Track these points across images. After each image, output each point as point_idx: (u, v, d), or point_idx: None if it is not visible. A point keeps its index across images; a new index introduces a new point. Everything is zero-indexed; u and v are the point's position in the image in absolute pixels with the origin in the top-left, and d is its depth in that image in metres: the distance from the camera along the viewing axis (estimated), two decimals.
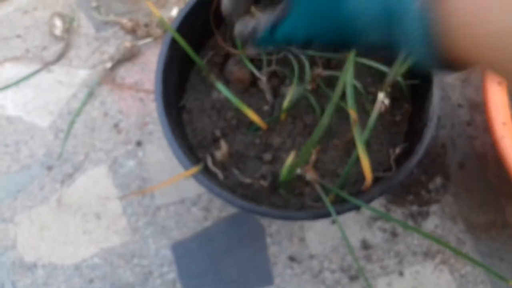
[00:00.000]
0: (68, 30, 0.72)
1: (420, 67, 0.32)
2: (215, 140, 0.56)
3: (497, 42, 0.26)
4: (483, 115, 0.71)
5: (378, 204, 0.68)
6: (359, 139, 0.47)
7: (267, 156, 0.55)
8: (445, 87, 0.73)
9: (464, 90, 0.73)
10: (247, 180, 0.54)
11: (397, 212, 0.68)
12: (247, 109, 0.51)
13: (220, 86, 0.51)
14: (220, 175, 0.54)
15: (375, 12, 0.31)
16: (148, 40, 0.72)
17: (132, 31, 0.71)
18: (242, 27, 0.43)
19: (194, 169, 0.48)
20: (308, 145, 0.44)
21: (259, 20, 0.42)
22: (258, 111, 0.56)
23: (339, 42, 0.36)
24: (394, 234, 0.68)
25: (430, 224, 0.68)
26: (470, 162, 0.69)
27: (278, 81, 0.58)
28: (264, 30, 0.40)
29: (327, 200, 0.49)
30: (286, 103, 0.53)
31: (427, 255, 0.67)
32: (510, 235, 0.68)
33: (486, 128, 0.57)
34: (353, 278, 0.66)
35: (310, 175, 0.52)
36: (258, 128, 0.55)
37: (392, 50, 0.32)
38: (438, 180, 0.69)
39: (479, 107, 0.72)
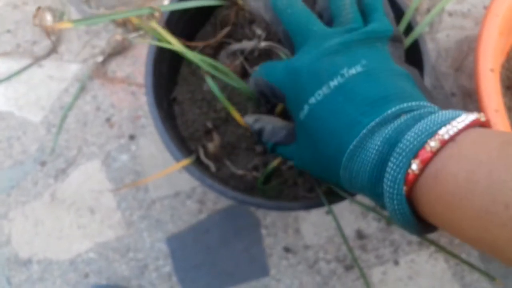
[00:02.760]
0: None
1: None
2: (207, 132, 0.55)
3: (476, 225, 0.27)
4: (476, 103, 0.71)
5: None
6: None
7: (259, 148, 0.55)
8: (438, 76, 0.73)
9: (457, 78, 0.73)
10: (240, 172, 0.53)
11: None
12: (233, 109, 0.51)
13: (209, 80, 0.50)
14: (212, 167, 0.53)
15: (361, 185, 0.35)
16: (139, 33, 0.71)
17: (123, 24, 0.71)
18: (249, 121, 0.47)
19: (186, 161, 0.48)
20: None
21: (266, 125, 0.46)
22: (252, 103, 0.56)
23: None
24: (389, 223, 0.68)
25: None
26: None
27: None
28: (266, 140, 0.45)
29: (320, 191, 0.49)
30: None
31: (422, 243, 0.67)
32: None
33: None
34: (348, 268, 0.67)
35: None
36: None
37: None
38: None
39: (473, 96, 0.72)
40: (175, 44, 0.46)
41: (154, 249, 0.67)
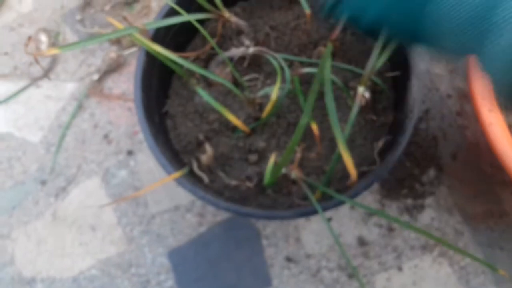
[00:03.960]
0: (54, 44, 0.72)
1: (500, 92, 0.29)
2: (200, 144, 0.55)
3: None
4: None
5: (372, 199, 0.68)
6: (340, 138, 0.46)
7: (253, 157, 0.55)
8: (433, 78, 0.73)
9: (452, 80, 0.73)
10: (233, 182, 0.54)
11: (392, 207, 0.67)
12: (228, 113, 0.51)
13: (200, 91, 0.51)
14: (206, 178, 0.54)
15: (464, 19, 0.28)
16: (133, 49, 0.72)
17: (117, 42, 0.72)
18: None
19: (177, 174, 0.48)
20: (287, 151, 0.44)
21: None
22: (243, 112, 0.56)
23: (409, 35, 0.33)
24: (390, 229, 0.67)
25: (426, 217, 0.67)
26: (463, 152, 0.69)
27: (260, 82, 0.58)
28: None
29: (313, 198, 0.49)
30: (272, 101, 0.52)
31: (425, 248, 0.66)
32: (508, 224, 0.67)
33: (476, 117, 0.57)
34: (351, 276, 0.66)
35: (296, 173, 0.52)
36: (242, 131, 0.55)
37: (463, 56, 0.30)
38: (432, 173, 0.68)
39: (468, 97, 0.71)
40: (162, 51, 0.47)
41: (155, 264, 0.67)
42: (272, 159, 0.50)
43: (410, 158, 0.69)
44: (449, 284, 0.65)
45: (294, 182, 0.54)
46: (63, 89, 0.72)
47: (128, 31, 0.46)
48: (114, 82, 0.72)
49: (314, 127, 0.47)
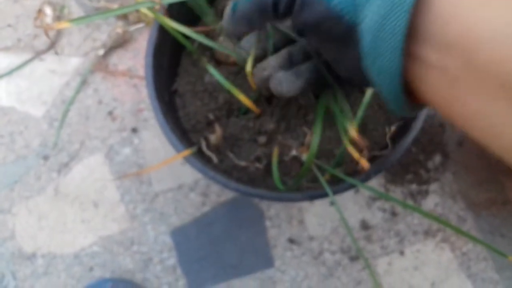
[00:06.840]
0: (59, 17, 0.71)
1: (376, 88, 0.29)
2: (209, 124, 0.55)
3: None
4: None
5: (377, 184, 0.68)
6: (345, 138, 0.45)
7: (262, 139, 0.54)
8: None
9: None
10: (242, 163, 0.53)
11: (396, 192, 0.67)
12: (238, 93, 0.50)
13: (211, 69, 0.50)
14: (215, 158, 0.53)
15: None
16: (140, 25, 0.71)
17: (124, 17, 0.70)
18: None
19: (187, 152, 0.48)
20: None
21: None
22: (253, 93, 0.55)
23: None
24: (393, 214, 0.67)
25: (430, 202, 0.67)
26: (469, 140, 0.69)
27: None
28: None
29: (323, 180, 0.49)
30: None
31: (428, 233, 0.67)
32: (510, 211, 0.67)
33: None
34: (353, 259, 0.66)
35: (306, 156, 0.52)
36: (248, 111, 0.54)
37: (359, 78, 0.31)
38: (437, 159, 0.68)
39: None
40: (177, 27, 0.46)
41: (158, 242, 0.67)
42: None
43: (416, 143, 0.69)
44: (450, 269, 0.66)
45: (302, 164, 0.54)
46: (67, 63, 0.71)
47: (144, 5, 0.45)
48: (119, 58, 0.71)
49: (353, 129, 0.46)
